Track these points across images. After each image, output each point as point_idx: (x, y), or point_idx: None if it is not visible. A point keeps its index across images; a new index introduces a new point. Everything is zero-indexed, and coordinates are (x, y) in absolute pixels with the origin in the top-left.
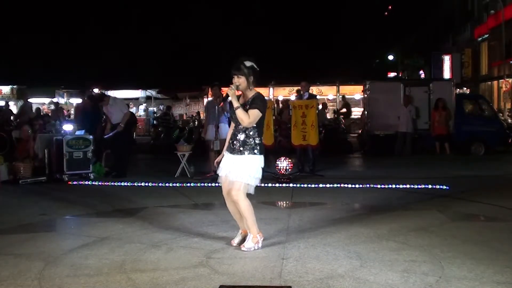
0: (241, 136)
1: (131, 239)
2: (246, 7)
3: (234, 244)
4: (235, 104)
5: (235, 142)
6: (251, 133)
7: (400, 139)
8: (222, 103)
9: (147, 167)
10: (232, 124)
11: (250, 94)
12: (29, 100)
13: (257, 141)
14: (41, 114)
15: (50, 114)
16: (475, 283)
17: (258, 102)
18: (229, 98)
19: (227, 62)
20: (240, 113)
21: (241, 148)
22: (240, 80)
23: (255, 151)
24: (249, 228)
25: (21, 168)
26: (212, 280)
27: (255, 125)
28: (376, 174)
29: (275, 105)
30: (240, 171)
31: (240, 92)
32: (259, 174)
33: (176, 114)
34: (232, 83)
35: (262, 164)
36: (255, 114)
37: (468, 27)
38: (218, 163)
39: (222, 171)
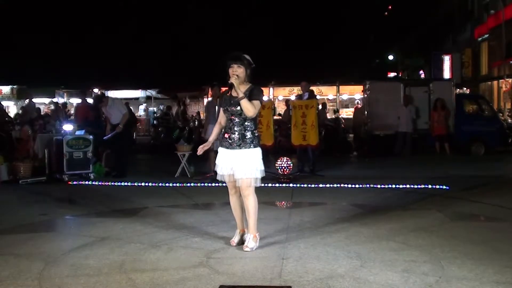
0: (239, 130)
1: (131, 239)
2: (246, 7)
3: (234, 244)
4: (240, 94)
5: (232, 136)
6: (248, 126)
7: (400, 139)
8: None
9: (147, 167)
10: (220, 120)
11: (246, 86)
12: (32, 100)
13: (255, 134)
14: (41, 114)
15: (50, 114)
16: (475, 283)
17: (257, 93)
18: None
19: (232, 57)
20: (246, 103)
21: (241, 143)
22: (239, 70)
23: (254, 143)
24: (249, 226)
25: (21, 168)
26: (212, 280)
27: (253, 118)
28: (376, 174)
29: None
30: (246, 167)
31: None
32: (262, 165)
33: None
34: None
35: (261, 155)
36: (258, 105)
37: (468, 27)
38: (203, 149)
39: (223, 169)
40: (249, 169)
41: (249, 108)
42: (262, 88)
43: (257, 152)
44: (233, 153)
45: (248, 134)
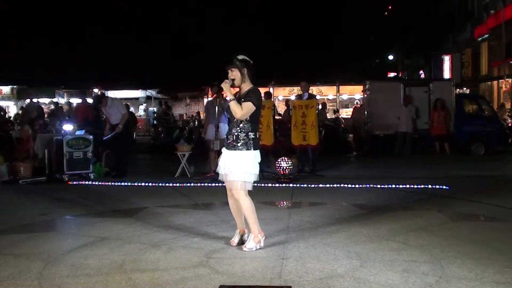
0: (235, 131)
1: (131, 239)
2: (246, 7)
3: (234, 244)
4: (229, 96)
5: (229, 136)
6: (245, 127)
7: (400, 139)
8: (214, 95)
9: (147, 167)
10: None
11: (246, 87)
12: (33, 100)
13: (251, 136)
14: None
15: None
16: (475, 283)
17: (252, 95)
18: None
19: (227, 62)
20: (233, 105)
21: (235, 143)
22: (233, 73)
23: (249, 146)
24: (250, 227)
25: (21, 168)
26: (212, 280)
27: (249, 119)
28: (376, 174)
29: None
30: (236, 169)
31: (236, 89)
32: (255, 169)
33: (176, 114)
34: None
35: (258, 159)
36: (248, 106)
37: (468, 27)
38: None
39: (221, 168)
40: (237, 172)
41: (235, 110)
42: (262, 88)
43: (248, 155)
44: (229, 154)
45: (242, 136)
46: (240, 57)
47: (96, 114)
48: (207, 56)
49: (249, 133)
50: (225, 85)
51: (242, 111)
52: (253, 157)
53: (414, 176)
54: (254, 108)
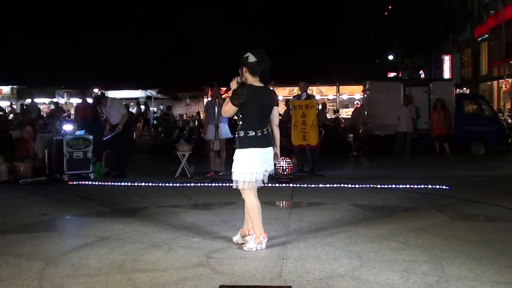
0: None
1: (131, 239)
2: (246, 7)
3: (234, 241)
4: (230, 94)
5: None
6: (239, 126)
7: (400, 139)
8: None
9: (147, 167)
10: None
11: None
12: (34, 100)
13: (240, 134)
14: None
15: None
16: (475, 283)
17: (231, 92)
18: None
19: (227, 62)
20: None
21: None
22: (240, 72)
23: (241, 144)
24: (253, 227)
25: (21, 168)
26: (212, 280)
27: (242, 117)
28: (376, 174)
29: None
30: (233, 169)
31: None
32: (243, 168)
33: (176, 114)
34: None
35: (250, 158)
36: (225, 104)
37: (468, 27)
38: None
39: None
40: (233, 171)
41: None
42: None
43: (237, 154)
44: None
45: (236, 134)
46: (246, 54)
47: (95, 114)
48: (207, 56)
49: (239, 131)
50: (231, 83)
51: (222, 108)
52: (241, 155)
53: (414, 176)
54: (231, 105)
